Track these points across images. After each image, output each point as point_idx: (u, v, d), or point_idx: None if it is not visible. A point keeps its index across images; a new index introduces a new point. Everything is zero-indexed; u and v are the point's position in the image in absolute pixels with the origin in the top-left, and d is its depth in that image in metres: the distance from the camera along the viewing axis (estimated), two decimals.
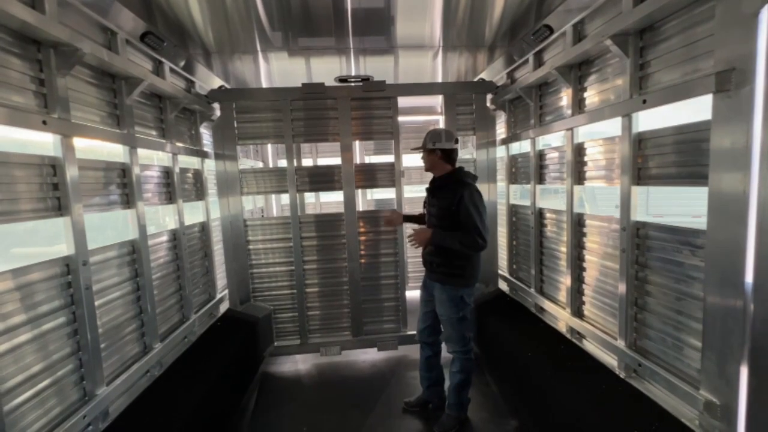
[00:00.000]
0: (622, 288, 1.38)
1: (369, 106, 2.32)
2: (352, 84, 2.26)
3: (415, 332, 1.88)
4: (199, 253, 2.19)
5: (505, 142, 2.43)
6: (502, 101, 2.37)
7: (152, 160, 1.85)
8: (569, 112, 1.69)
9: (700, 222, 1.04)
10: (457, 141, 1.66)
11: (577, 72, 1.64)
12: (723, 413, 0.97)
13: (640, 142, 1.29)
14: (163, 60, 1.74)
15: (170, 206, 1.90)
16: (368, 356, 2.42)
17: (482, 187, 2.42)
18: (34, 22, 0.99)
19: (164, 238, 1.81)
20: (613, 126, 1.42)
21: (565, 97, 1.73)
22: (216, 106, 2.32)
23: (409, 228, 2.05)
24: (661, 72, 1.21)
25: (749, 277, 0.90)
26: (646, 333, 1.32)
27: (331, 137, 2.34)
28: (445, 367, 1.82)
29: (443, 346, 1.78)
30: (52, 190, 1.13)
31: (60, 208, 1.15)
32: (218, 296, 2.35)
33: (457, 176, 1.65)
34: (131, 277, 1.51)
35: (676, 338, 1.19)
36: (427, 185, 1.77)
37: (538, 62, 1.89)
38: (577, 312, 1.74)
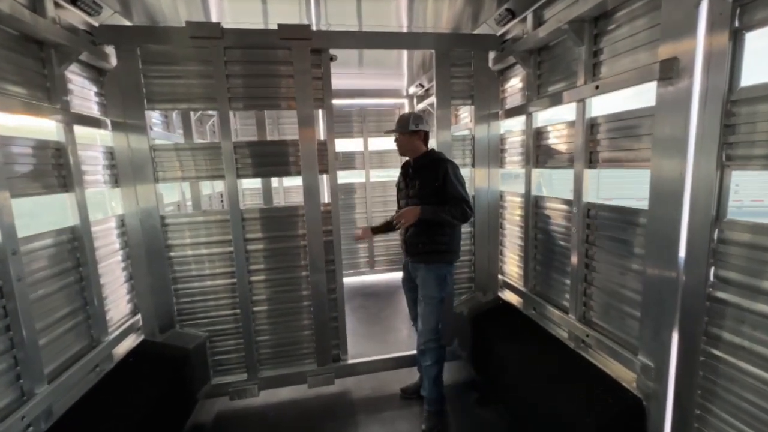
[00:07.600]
0: None
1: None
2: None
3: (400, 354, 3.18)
4: (68, 276, 2.45)
5: (522, 111, 3.04)
6: (523, 52, 2.93)
7: None
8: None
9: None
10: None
11: None
12: (657, 375, 1.92)
13: None
14: None
15: None
16: (339, 389, 3.33)
17: (483, 173, 3.55)
18: None
19: None
20: None
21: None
22: (111, 51, 2.74)
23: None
24: None
25: (682, 252, 1.79)
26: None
27: (284, 103, 3.05)
28: None
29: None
30: None
31: None
32: (114, 333, 2.77)
33: (435, 155, 2.92)
34: None
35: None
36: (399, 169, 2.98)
37: None
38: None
